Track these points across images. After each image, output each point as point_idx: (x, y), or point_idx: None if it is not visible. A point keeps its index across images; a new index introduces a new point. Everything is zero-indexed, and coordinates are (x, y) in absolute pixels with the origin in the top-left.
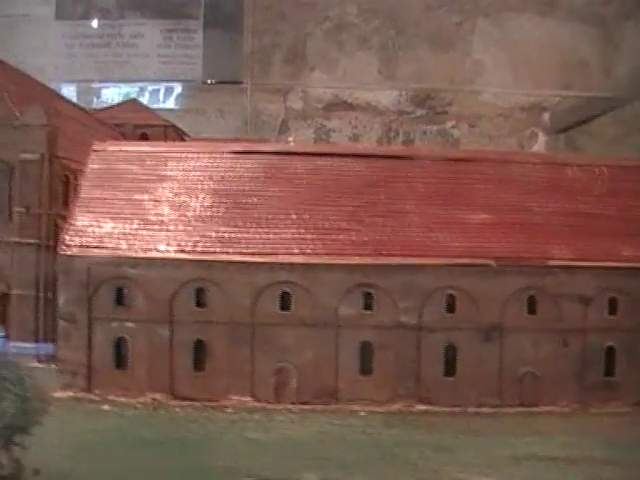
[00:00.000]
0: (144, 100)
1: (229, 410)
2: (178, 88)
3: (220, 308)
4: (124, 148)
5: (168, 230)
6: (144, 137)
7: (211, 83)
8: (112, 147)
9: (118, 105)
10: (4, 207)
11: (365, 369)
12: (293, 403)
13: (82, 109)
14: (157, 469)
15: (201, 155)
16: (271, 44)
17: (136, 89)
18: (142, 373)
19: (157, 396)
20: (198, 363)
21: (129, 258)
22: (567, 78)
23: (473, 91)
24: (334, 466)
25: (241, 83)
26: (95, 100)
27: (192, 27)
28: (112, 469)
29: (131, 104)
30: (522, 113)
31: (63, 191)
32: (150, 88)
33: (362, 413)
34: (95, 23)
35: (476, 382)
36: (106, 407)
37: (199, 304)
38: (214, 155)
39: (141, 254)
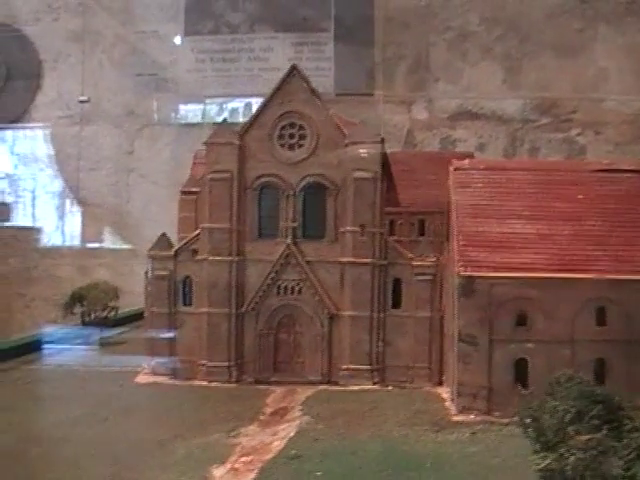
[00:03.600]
0: None
1: None
2: None
3: (619, 326)
4: (481, 165)
5: (560, 248)
6: None
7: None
8: (470, 165)
9: None
10: (330, 227)
11: None
12: None
13: None
14: None
15: (565, 173)
16: (395, 55)
17: None
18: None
19: None
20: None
21: (531, 278)
22: None
23: (597, 98)
24: None
25: (372, 95)
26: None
27: (323, 40)
28: None
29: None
30: None
31: None
32: None
33: None
34: (179, 39)
35: None
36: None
37: (599, 323)
38: (576, 174)
39: (543, 274)
